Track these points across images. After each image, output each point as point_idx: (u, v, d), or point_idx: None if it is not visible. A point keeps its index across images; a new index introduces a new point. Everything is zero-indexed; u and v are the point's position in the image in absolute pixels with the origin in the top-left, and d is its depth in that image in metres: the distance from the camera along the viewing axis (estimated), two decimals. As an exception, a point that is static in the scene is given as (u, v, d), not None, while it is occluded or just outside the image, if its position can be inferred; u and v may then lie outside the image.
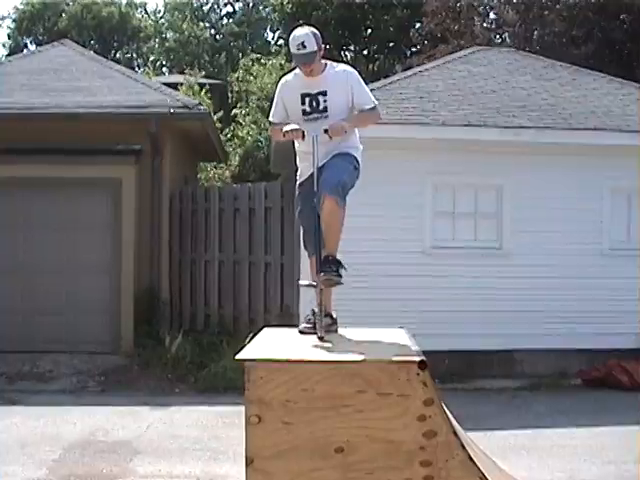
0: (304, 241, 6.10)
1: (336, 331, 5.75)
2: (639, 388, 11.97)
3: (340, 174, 5.60)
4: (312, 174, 5.69)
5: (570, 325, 12.94)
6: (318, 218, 5.54)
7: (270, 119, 6.14)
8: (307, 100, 5.77)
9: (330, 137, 5.61)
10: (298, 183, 6.12)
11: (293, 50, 5.63)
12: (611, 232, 13.34)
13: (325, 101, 5.74)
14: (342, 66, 5.95)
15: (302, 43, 5.57)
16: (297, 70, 5.84)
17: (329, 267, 5.44)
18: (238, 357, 4.63)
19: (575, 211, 13.12)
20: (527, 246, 12.99)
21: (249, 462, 4.47)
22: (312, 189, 5.64)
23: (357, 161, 5.90)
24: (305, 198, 5.90)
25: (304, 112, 5.79)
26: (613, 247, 13.32)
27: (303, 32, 5.63)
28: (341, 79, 5.79)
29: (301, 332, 5.66)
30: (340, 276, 5.46)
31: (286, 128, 5.71)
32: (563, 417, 10.34)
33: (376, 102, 5.95)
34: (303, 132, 5.68)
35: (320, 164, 5.69)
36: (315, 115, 5.77)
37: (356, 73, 5.90)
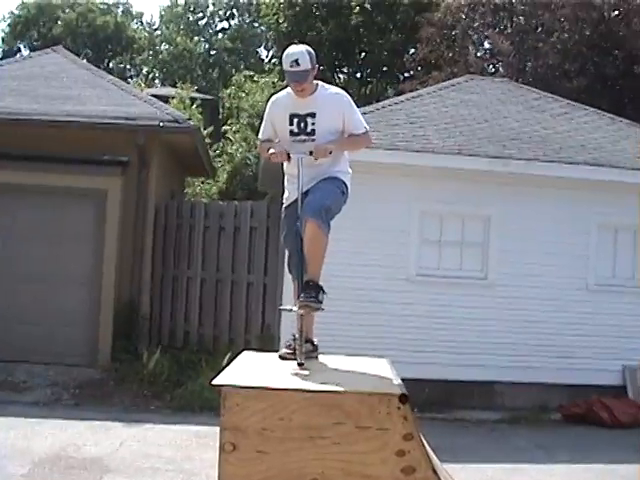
0: (289, 265, 5.89)
1: (317, 358, 5.64)
2: (620, 425, 11.92)
3: (325, 198, 5.47)
4: (297, 198, 5.58)
5: (552, 359, 12.87)
6: (301, 242, 5.42)
7: (259, 136, 6.04)
8: (295, 121, 5.64)
9: (315, 159, 5.50)
10: (284, 206, 5.97)
11: (286, 67, 5.49)
12: (597, 267, 13.29)
13: (313, 124, 5.61)
14: (334, 89, 5.82)
15: (296, 60, 5.43)
16: (289, 89, 5.70)
17: (308, 293, 5.31)
18: (215, 382, 4.51)
19: (562, 245, 13.07)
20: (512, 277, 12.92)
21: (221, 491, 4.35)
22: (297, 212, 5.53)
23: (345, 186, 5.77)
24: (290, 221, 5.75)
25: (291, 133, 5.67)
26: (599, 282, 13.26)
27: (298, 49, 5.51)
28: (332, 102, 5.66)
29: (281, 357, 5.51)
30: (319, 302, 5.32)
31: (271, 150, 5.64)
32: (542, 452, 10.26)
33: (367, 127, 5.84)
34: (288, 154, 5.58)
35: (306, 188, 5.57)
36: (302, 137, 5.64)
37: (348, 97, 5.77)
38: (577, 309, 13.05)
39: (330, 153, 5.54)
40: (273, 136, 5.82)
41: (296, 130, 5.65)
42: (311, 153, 5.51)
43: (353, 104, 5.79)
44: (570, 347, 12.92)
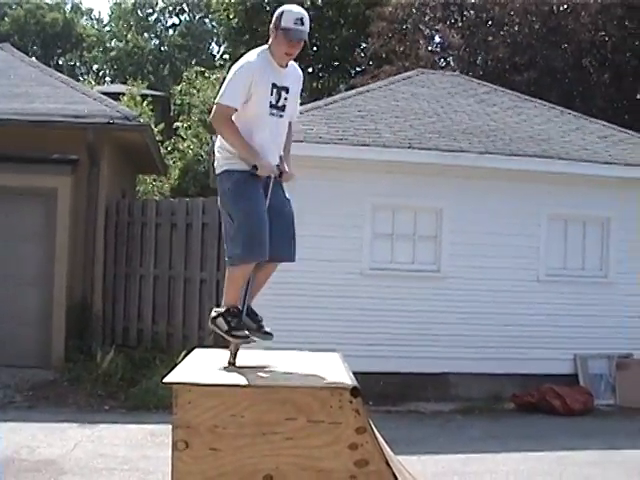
0: (256, 243, 5.10)
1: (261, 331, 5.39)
2: (572, 413, 12.08)
3: (295, 240, 5.34)
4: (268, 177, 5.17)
5: (505, 349, 13.00)
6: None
7: (225, 102, 5.12)
8: (274, 91, 5.15)
9: (283, 181, 5.30)
10: (249, 172, 5.11)
11: (289, 24, 5.07)
12: (548, 258, 13.44)
13: (286, 99, 5.22)
14: (297, 66, 5.49)
15: (301, 19, 5.08)
16: (265, 53, 5.22)
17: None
18: (166, 380, 4.49)
19: (513, 237, 13.19)
20: (465, 270, 13.01)
21: (175, 489, 4.34)
22: (264, 191, 5.16)
23: None
24: (258, 191, 5.16)
25: (271, 104, 5.15)
26: (549, 273, 13.42)
27: (302, 10, 5.17)
28: (298, 82, 5.40)
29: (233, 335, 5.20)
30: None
31: (262, 163, 5.08)
32: (496, 442, 10.33)
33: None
34: (280, 170, 5.26)
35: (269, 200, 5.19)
36: (274, 111, 5.19)
37: None
38: (528, 300, 13.19)
39: None
40: (242, 104, 5.10)
41: (274, 102, 5.17)
42: (281, 175, 5.26)
43: None
44: (522, 337, 13.05)
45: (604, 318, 13.39)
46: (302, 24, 5.10)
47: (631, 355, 13.52)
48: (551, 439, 10.57)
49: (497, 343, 12.97)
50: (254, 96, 5.08)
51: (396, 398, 12.32)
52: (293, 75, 5.32)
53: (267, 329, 5.34)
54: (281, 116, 5.22)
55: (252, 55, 5.23)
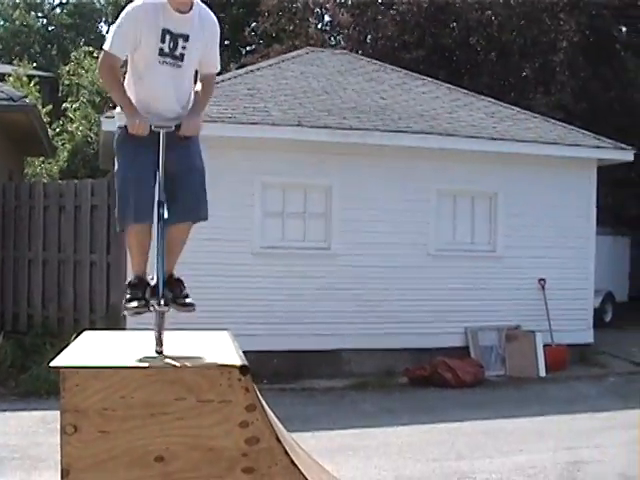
0: (123, 206, 4.82)
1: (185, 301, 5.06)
2: (463, 385, 12.34)
3: (203, 202, 5.02)
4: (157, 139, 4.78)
5: (397, 324, 13.18)
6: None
7: (107, 49, 4.74)
8: (167, 38, 4.71)
9: (182, 137, 4.83)
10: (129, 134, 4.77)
11: None
12: (437, 233, 13.66)
13: (184, 47, 4.76)
14: (210, 12, 4.95)
15: None
16: None
17: (181, 290, 5.03)
18: (53, 364, 4.42)
19: (403, 212, 13.37)
20: (355, 246, 13.13)
21: (65, 474, 4.28)
22: (154, 152, 4.77)
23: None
24: (135, 149, 4.81)
25: (161, 52, 4.72)
26: (439, 248, 13.65)
27: None
28: (207, 29, 4.88)
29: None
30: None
31: (136, 121, 4.68)
32: (389, 416, 10.49)
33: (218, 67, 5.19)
34: (150, 126, 4.72)
35: (164, 167, 4.81)
36: (169, 60, 4.75)
37: (218, 27, 5.03)
38: (419, 274, 13.41)
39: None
40: (126, 51, 4.77)
41: (167, 50, 4.73)
42: (177, 128, 4.79)
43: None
44: (413, 312, 13.27)
45: (493, 291, 13.74)
46: None
47: (519, 327, 13.89)
48: (443, 411, 10.79)
49: (389, 319, 13.13)
50: (142, 43, 4.69)
51: (290, 376, 12.38)
52: (198, 21, 4.80)
53: (185, 300, 5.00)
54: (179, 66, 4.78)
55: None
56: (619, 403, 11.22)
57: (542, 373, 13.42)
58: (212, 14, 4.94)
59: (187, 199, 4.93)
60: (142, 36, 4.66)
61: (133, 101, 4.81)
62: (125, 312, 4.99)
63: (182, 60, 4.77)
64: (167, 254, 4.94)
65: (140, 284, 4.98)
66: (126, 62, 4.89)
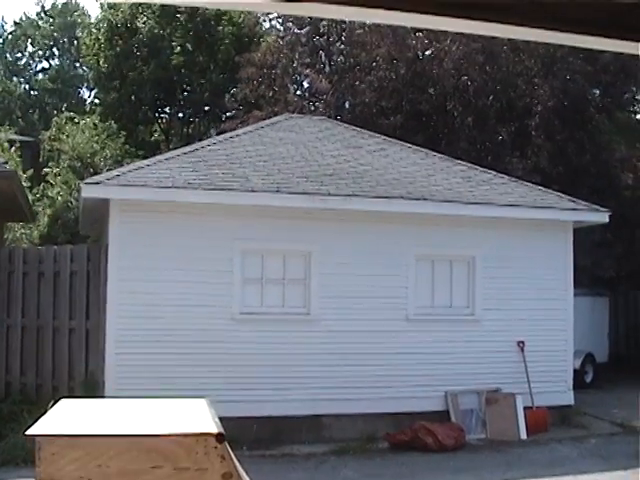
0: None
1: None
2: (445, 449, 12.27)
3: None
4: None
5: (377, 389, 13.15)
6: None
7: None
8: None
9: None
10: None
11: None
12: (416, 297, 13.70)
13: None
14: None
15: None
16: None
17: None
18: (28, 432, 4.41)
19: (381, 277, 13.42)
20: (334, 312, 13.14)
21: None
22: None
23: None
24: None
25: None
26: (418, 312, 13.68)
27: None
28: None
29: None
30: None
31: None
32: (369, 482, 10.44)
33: None
34: None
35: None
36: None
37: None
38: (398, 339, 13.42)
39: None
40: None
41: None
42: None
43: None
44: (393, 376, 13.24)
45: (472, 354, 13.74)
46: None
47: (499, 389, 13.87)
48: (423, 476, 10.76)
49: (369, 383, 13.10)
50: None
51: (270, 442, 12.30)
52: None
53: None
54: None
55: None
56: (601, 465, 11.22)
57: (523, 436, 13.38)
58: None
59: None
60: None
61: None
62: None
63: None
64: None
65: None
66: None
